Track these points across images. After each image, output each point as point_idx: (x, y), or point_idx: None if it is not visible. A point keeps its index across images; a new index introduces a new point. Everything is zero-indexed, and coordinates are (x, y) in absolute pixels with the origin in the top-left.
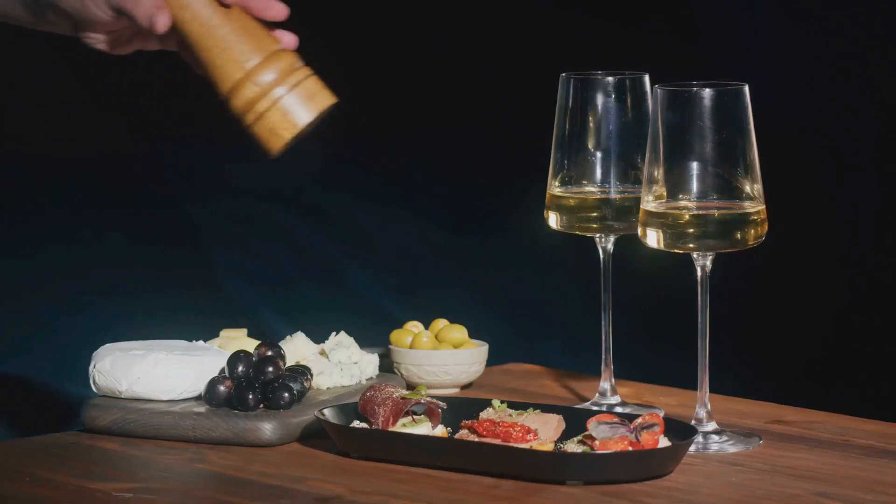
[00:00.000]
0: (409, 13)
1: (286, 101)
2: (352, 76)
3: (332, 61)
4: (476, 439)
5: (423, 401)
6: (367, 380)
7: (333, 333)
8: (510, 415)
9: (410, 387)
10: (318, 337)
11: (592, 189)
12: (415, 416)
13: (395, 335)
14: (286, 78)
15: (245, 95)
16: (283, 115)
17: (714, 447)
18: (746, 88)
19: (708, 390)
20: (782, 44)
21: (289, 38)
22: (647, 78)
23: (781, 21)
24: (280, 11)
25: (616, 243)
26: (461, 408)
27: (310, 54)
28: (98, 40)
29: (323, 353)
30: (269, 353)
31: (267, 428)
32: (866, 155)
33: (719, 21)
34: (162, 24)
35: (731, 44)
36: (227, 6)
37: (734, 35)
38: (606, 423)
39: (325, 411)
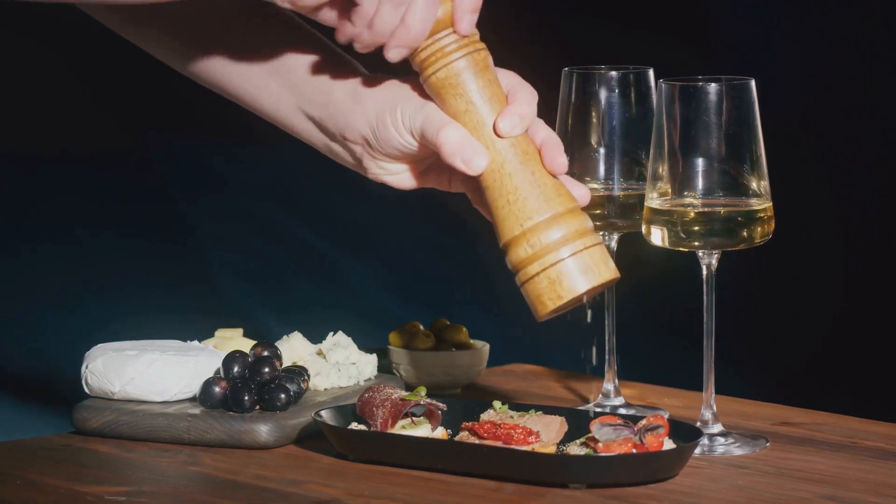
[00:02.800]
0: None
1: (559, 268)
2: None
3: None
4: (477, 441)
5: (422, 402)
6: (365, 381)
7: (331, 333)
8: (511, 416)
9: (410, 388)
10: (316, 337)
11: (595, 186)
12: (414, 418)
13: (394, 335)
14: (567, 243)
15: (518, 255)
16: (552, 284)
17: (720, 449)
18: (753, 83)
19: (714, 392)
20: (786, 40)
21: (581, 192)
22: (651, 72)
23: (787, 17)
24: (563, 167)
25: (620, 241)
26: (461, 409)
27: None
28: (384, 170)
29: (320, 353)
30: (266, 353)
31: (263, 430)
32: (871, 151)
33: (723, 17)
34: (480, 166)
35: (734, 41)
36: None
37: (738, 31)
38: (610, 425)
39: (323, 413)
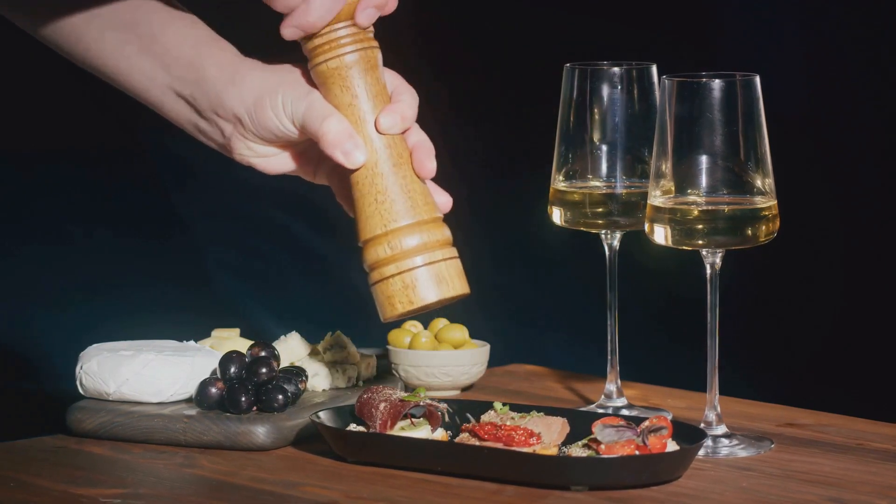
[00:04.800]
0: (411, 6)
1: (415, 274)
2: None
3: None
4: (477, 443)
5: (422, 403)
6: (363, 382)
7: (329, 333)
8: (512, 418)
9: (409, 389)
10: (314, 337)
11: (598, 184)
12: (414, 420)
13: (394, 335)
14: (426, 251)
15: (377, 254)
16: (405, 288)
17: (724, 451)
18: (757, 79)
19: (717, 392)
20: (790, 37)
21: (443, 200)
22: (654, 68)
23: (791, 13)
24: (430, 171)
25: (622, 240)
26: (462, 410)
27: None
28: (267, 155)
29: (318, 353)
30: (263, 353)
31: (260, 431)
32: (873, 150)
33: (727, 13)
34: (358, 160)
35: (738, 37)
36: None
37: (742, 28)
38: (612, 427)
39: (321, 414)
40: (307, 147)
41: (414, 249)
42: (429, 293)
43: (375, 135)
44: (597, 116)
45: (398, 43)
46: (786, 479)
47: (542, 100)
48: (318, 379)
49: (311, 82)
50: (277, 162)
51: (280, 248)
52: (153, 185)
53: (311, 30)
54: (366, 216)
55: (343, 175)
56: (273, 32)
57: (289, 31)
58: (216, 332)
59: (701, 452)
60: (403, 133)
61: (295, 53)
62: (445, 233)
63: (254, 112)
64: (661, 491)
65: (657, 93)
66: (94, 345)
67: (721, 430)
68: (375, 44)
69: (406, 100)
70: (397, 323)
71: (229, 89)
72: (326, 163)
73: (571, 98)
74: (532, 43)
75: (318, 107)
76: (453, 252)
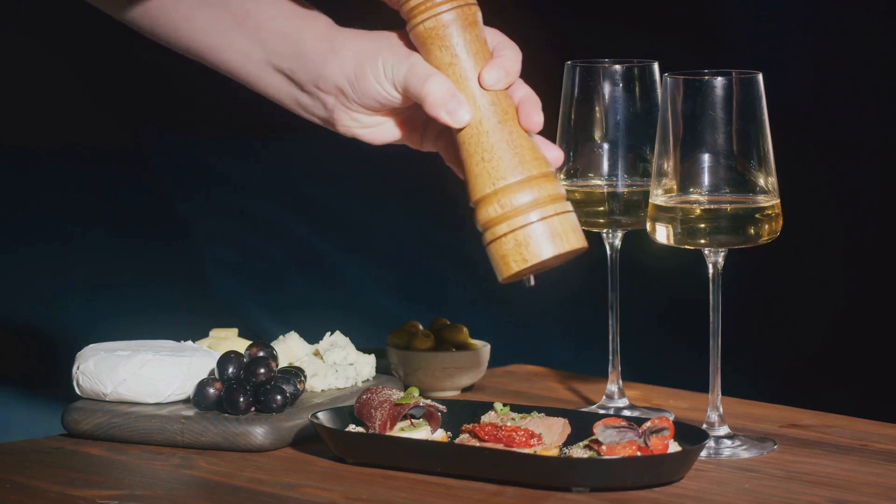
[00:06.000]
0: None
1: (527, 231)
2: None
3: None
4: (477, 444)
5: (421, 404)
6: (363, 382)
7: (328, 333)
8: (513, 418)
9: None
10: (313, 337)
11: (599, 182)
12: (413, 420)
13: (393, 335)
14: (538, 207)
15: (488, 213)
16: (518, 246)
17: (726, 452)
18: (760, 77)
19: (720, 393)
20: (794, 34)
21: (554, 154)
22: (656, 66)
23: (794, 10)
24: (538, 124)
25: (624, 239)
26: (462, 411)
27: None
28: (374, 124)
29: (317, 353)
30: (261, 353)
31: (258, 432)
32: (876, 149)
33: (730, 11)
34: (463, 119)
35: (741, 34)
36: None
37: (745, 25)
38: (614, 428)
39: (320, 415)
40: (412, 113)
41: (525, 206)
42: (543, 249)
43: (479, 92)
44: (598, 114)
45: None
46: (789, 480)
47: (544, 97)
48: (317, 379)
49: (410, 45)
50: (383, 131)
51: (279, 248)
52: (151, 185)
53: None
54: (474, 176)
55: (450, 138)
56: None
57: None
58: (214, 332)
59: (703, 453)
60: (507, 89)
61: (391, 20)
62: (557, 187)
63: (355, 80)
64: (662, 492)
65: (659, 90)
66: (91, 345)
67: (723, 430)
68: (473, 0)
69: (509, 55)
70: (397, 323)
71: (329, 60)
72: (432, 127)
73: (573, 96)
74: (533, 40)
75: (419, 68)
76: (567, 206)
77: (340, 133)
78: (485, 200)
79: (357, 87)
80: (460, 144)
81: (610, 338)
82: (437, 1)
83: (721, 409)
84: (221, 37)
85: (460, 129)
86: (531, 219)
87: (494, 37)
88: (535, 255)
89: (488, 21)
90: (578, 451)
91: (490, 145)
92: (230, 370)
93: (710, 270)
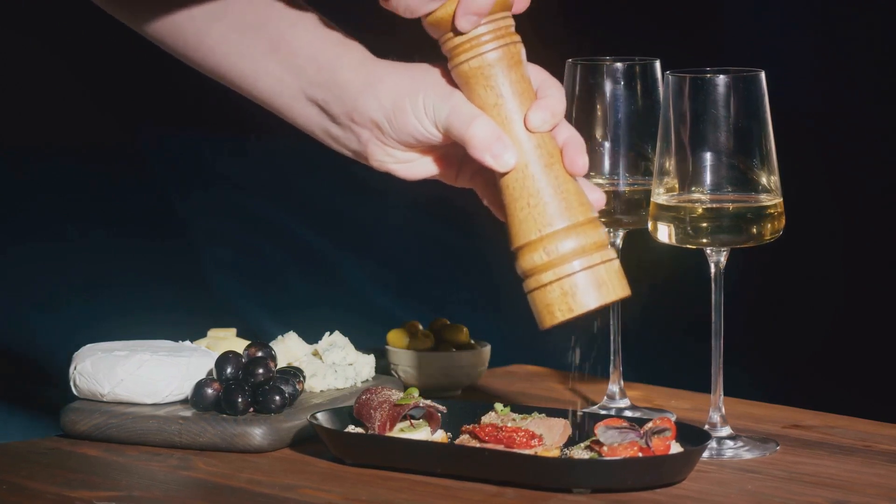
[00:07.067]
0: None
1: (574, 280)
2: None
3: None
4: (478, 445)
5: (421, 404)
6: (362, 382)
7: (327, 333)
8: (514, 419)
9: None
10: (311, 337)
11: (600, 181)
12: (413, 421)
13: (393, 335)
14: (584, 255)
15: (532, 261)
16: (564, 295)
17: (728, 453)
18: (763, 75)
19: (722, 393)
20: (797, 32)
21: (597, 196)
22: (657, 64)
23: (798, 8)
24: (583, 168)
25: (625, 238)
26: (462, 412)
27: None
28: (408, 161)
29: (316, 353)
30: (260, 353)
31: (257, 433)
32: (879, 149)
33: (732, 8)
34: (509, 163)
35: (744, 32)
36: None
37: (748, 23)
38: (615, 428)
39: (319, 415)
40: (448, 150)
41: (571, 254)
42: (589, 299)
43: (524, 134)
44: (599, 113)
45: (397, 33)
46: (791, 481)
47: None
48: (316, 380)
49: (451, 82)
50: (418, 167)
51: (278, 248)
52: (150, 184)
53: (485, 11)
54: (518, 221)
55: (489, 177)
56: (403, 32)
57: (463, 21)
58: (212, 332)
59: (705, 454)
60: (551, 130)
61: (431, 54)
62: (602, 233)
63: (393, 117)
64: (664, 493)
65: (661, 89)
66: (88, 345)
67: (725, 431)
68: (518, 38)
69: (554, 94)
70: (397, 323)
71: (366, 93)
72: (470, 165)
73: (574, 94)
74: (533, 38)
75: (463, 109)
76: (611, 254)
77: (373, 167)
78: (529, 247)
79: (395, 123)
80: (504, 188)
81: (611, 338)
82: (483, 39)
83: (723, 410)
84: (255, 63)
85: (503, 173)
86: (577, 267)
87: (537, 74)
88: (581, 305)
89: None
90: (579, 452)
91: (536, 190)
92: (228, 370)
93: (712, 270)
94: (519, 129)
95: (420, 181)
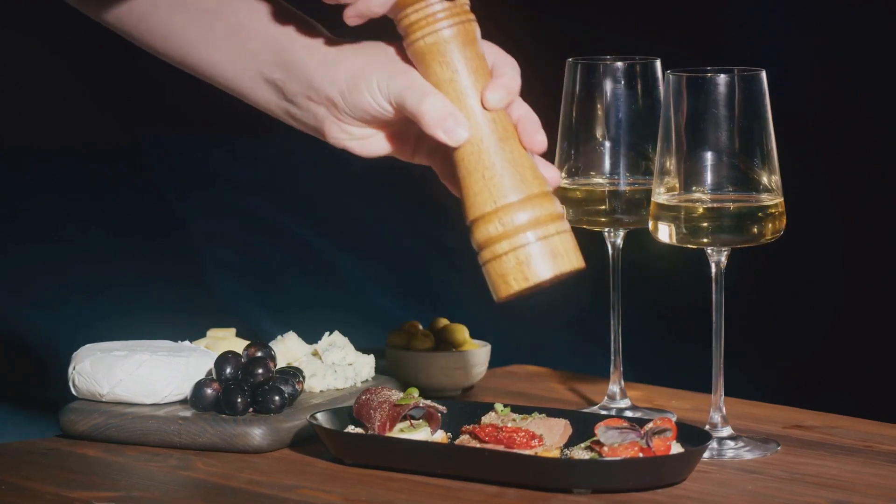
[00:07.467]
0: None
1: (528, 250)
2: None
3: None
4: (478, 445)
5: (421, 404)
6: (362, 382)
7: (327, 333)
8: (514, 419)
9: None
10: (311, 337)
11: (601, 181)
12: (413, 421)
13: (393, 335)
14: (538, 226)
15: (488, 232)
16: (519, 265)
17: (729, 453)
18: (763, 74)
19: (723, 394)
20: (798, 32)
21: (552, 175)
22: (658, 63)
23: (798, 7)
24: (542, 144)
25: (626, 238)
26: (462, 412)
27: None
28: (362, 137)
29: (316, 354)
30: (259, 354)
31: (256, 433)
32: (880, 149)
33: (733, 7)
34: (461, 137)
35: (744, 31)
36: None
37: (749, 22)
38: (615, 429)
39: (318, 416)
40: (404, 127)
41: (526, 225)
42: (544, 269)
43: (479, 110)
44: (600, 112)
45: (395, 33)
46: (792, 481)
47: (544, 95)
48: (316, 380)
49: (406, 60)
50: (373, 144)
51: (277, 248)
52: (149, 184)
53: (373, 15)
54: (474, 193)
55: (445, 154)
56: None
57: (376, 4)
58: (212, 332)
59: (706, 455)
60: (507, 108)
61: (387, 33)
62: (557, 206)
63: (348, 94)
64: (665, 494)
65: (661, 88)
66: (87, 345)
67: (726, 431)
68: (472, 16)
69: (509, 72)
70: (397, 323)
71: (321, 71)
72: (426, 142)
73: (574, 93)
74: (534, 37)
75: (417, 85)
76: (566, 225)
77: (330, 143)
78: (485, 218)
79: (349, 100)
80: (458, 162)
81: (611, 338)
82: (438, 17)
83: (724, 410)
84: (214, 48)
85: (457, 147)
86: (531, 238)
87: (492, 52)
88: (536, 275)
89: (489, 21)
90: (580, 453)
91: (491, 163)
92: (228, 370)
93: (713, 270)
94: (474, 104)
95: (408, 181)
